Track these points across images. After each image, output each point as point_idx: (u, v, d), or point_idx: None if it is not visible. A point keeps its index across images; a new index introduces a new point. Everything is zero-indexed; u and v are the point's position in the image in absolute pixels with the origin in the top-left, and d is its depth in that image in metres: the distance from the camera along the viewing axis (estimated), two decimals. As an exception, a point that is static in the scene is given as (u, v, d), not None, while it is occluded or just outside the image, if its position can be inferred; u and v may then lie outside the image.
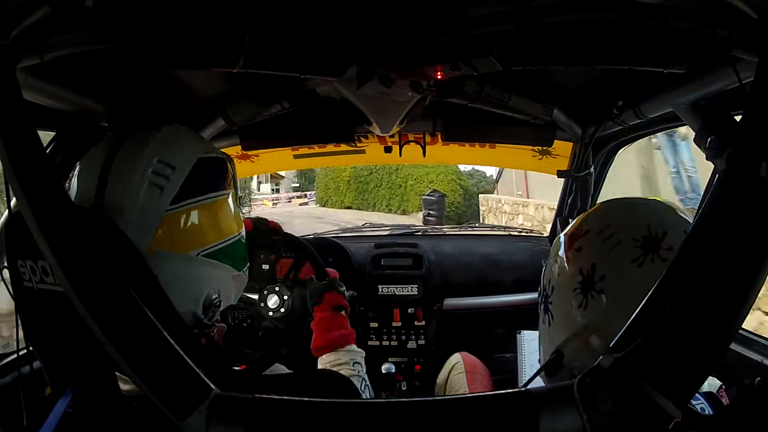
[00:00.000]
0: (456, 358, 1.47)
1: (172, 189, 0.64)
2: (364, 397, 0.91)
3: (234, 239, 0.75)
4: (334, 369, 0.95)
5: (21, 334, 0.65)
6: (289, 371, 0.81)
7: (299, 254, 1.64)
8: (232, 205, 0.75)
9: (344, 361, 0.97)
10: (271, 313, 1.27)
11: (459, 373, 1.41)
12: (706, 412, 0.63)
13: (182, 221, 0.65)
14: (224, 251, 0.72)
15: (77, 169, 0.68)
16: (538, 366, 0.72)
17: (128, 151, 0.65)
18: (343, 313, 1.08)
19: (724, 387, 0.75)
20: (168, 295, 0.60)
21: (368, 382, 0.97)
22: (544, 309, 0.70)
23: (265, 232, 1.16)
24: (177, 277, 0.65)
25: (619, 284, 0.60)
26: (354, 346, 1.02)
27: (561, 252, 0.68)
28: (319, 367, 0.99)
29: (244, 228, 0.79)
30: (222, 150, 0.76)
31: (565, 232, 0.71)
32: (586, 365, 0.42)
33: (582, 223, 0.69)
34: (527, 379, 1.35)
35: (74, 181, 0.67)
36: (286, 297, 1.27)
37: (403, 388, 1.75)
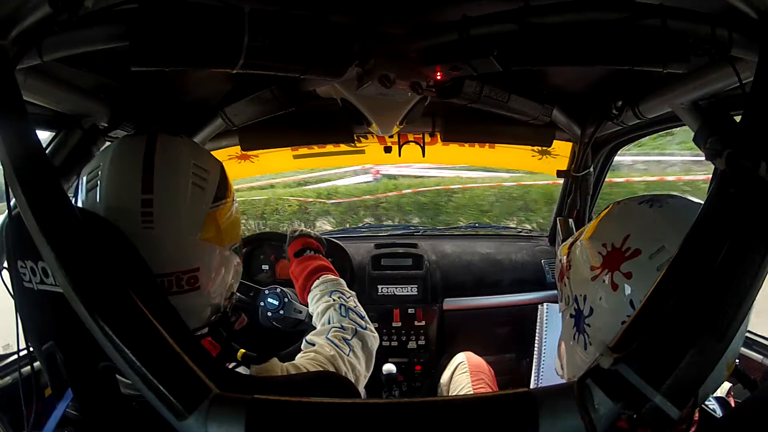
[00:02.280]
0: (460, 357, 1.47)
1: (210, 190, 0.71)
2: (353, 330, 0.91)
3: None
4: (319, 305, 0.97)
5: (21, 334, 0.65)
6: (284, 365, 0.81)
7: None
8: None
9: (320, 295, 0.98)
10: (270, 314, 1.27)
11: (463, 373, 1.40)
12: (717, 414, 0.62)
13: (220, 218, 0.73)
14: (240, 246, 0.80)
15: (105, 170, 0.67)
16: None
17: (166, 152, 0.69)
18: (308, 253, 1.10)
19: (731, 390, 0.75)
20: (210, 284, 0.69)
21: (353, 307, 0.96)
22: (578, 328, 0.62)
23: (265, 234, 1.17)
24: (217, 267, 0.72)
25: None
26: (327, 276, 1.03)
27: (601, 267, 0.59)
28: (310, 308, 1.00)
29: None
30: (221, 150, 0.77)
31: (592, 236, 0.62)
32: None
33: (631, 233, 0.59)
34: (546, 353, 1.33)
35: (106, 180, 0.66)
36: (285, 298, 1.27)
37: (404, 389, 1.75)
